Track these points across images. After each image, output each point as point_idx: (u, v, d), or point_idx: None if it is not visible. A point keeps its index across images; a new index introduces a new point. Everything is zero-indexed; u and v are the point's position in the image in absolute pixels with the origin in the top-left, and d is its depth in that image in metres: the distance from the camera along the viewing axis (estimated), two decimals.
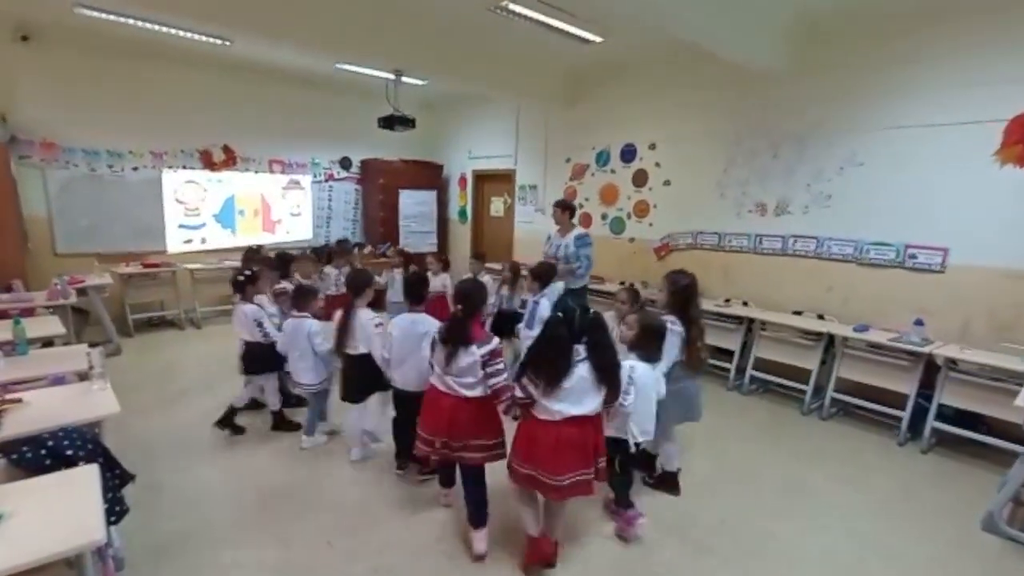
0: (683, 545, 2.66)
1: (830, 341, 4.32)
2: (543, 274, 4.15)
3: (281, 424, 3.78)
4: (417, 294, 3.01)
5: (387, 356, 2.94)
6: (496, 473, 2.57)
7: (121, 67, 6.05)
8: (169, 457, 3.34)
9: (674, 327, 2.86)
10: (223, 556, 2.49)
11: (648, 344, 2.64)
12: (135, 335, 5.92)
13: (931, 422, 3.74)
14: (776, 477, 3.36)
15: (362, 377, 3.22)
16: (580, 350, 2.20)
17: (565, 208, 4.87)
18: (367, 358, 3.13)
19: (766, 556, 2.60)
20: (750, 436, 3.95)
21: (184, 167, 6.72)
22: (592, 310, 2.30)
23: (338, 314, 3.22)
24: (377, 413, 3.40)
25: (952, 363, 3.67)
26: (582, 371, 2.19)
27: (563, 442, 2.21)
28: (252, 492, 3.02)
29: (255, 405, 3.88)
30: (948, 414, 3.73)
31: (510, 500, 2.54)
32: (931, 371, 3.82)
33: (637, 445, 2.60)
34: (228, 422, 3.65)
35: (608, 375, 2.25)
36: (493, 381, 2.42)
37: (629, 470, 2.79)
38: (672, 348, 2.83)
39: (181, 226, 6.78)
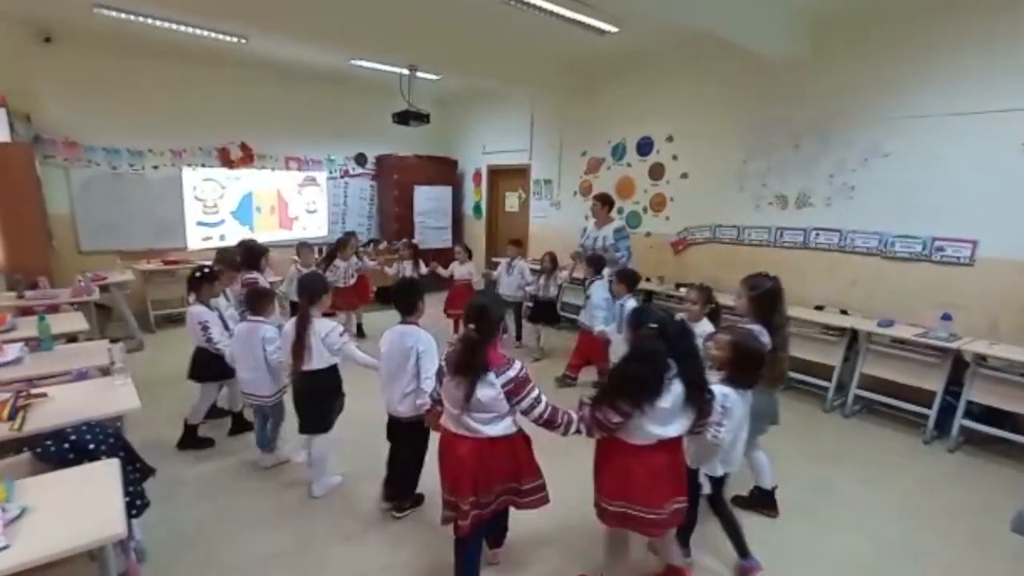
0: (697, 540, 2.60)
1: (853, 336, 4.22)
2: (597, 261, 4.53)
3: (240, 427, 3.59)
4: (406, 303, 2.57)
5: (373, 363, 2.68)
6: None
7: (140, 67, 6.14)
8: (188, 452, 3.38)
9: (761, 337, 2.51)
10: (241, 548, 2.51)
11: (743, 370, 2.21)
12: (156, 331, 6.02)
13: (959, 420, 3.63)
14: (797, 476, 3.28)
15: (320, 398, 2.83)
16: (671, 363, 1.93)
17: (605, 202, 5.05)
18: (325, 374, 2.79)
19: (784, 555, 2.55)
20: (770, 434, 3.86)
21: (203, 165, 6.80)
22: (678, 316, 2.11)
23: (288, 327, 2.84)
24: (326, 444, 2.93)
25: (981, 359, 3.56)
26: (676, 388, 1.92)
27: (659, 468, 1.96)
28: (270, 484, 3.04)
29: (219, 413, 3.65)
30: (976, 412, 3.62)
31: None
32: (959, 367, 3.71)
33: (717, 479, 2.31)
34: (189, 442, 3.38)
35: (697, 392, 1.96)
36: (536, 414, 1.98)
37: (726, 509, 2.43)
38: None
39: (200, 223, 6.87)
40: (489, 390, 1.93)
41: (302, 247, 5.21)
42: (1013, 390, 3.42)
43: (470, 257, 5.92)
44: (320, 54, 5.93)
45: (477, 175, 8.67)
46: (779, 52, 4.46)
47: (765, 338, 2.50)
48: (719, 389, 2.13)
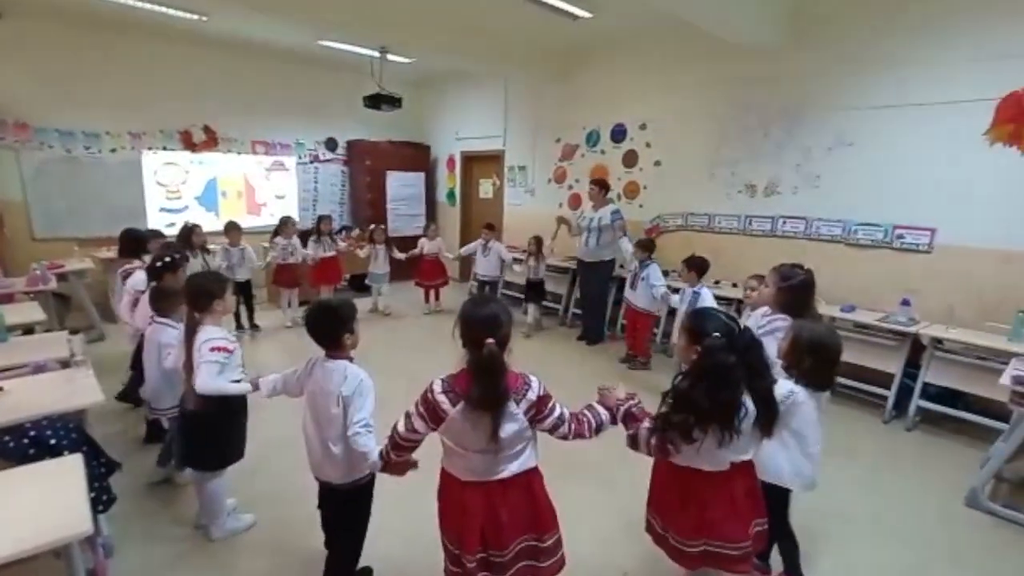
0: None
1: None
2: (648, 244, 4.94)
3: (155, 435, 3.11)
4: (327, 333, 1.93)
5: (273, 380, 2.10)
6: None
7: (95, 46, 5.85)
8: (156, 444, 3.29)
9: (783, 325, 2.29)
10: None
11: (814, 367, 1.93)
12: (118, 321, 5.81)
13: (916, 400, 3.80)
14: None
15: (205, 426, 2.25)
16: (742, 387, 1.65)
17: (602, 186, 5.41)
18: (211, 401, 2.17)
19: None
20: None
21: (164, 148, 6.56)
22: (744, 324, 1.80)
23: (180, 334, 2.38)
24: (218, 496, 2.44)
25: (938, 342, 3.72)
26: (749, 406, 1.64)
27: (738, 494, 1.73)
28: (241, 471, 2.99)
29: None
30: (932, 392, 3.80)
31: None
32: (917, 350, 3.87)
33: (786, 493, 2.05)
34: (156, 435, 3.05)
35: (768, 409, 1.69)
36: (562, 432, 1.65)
37: (788, 527, 2.15)
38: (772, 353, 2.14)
39: (163, 209, 6.64)
40: (511, 424, 1.56)
41: (285, 222, 5.82)
42: (967, 371, 3.59)
43: (438, 234, 6.59)
44: (286, 34, 5.75)
45: (451, 161, 8.58)
46: (750, 40, 4.52)
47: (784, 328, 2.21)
48: (786, 385, 1.88)
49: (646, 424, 1.72)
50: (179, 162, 6.69)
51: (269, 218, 7.48)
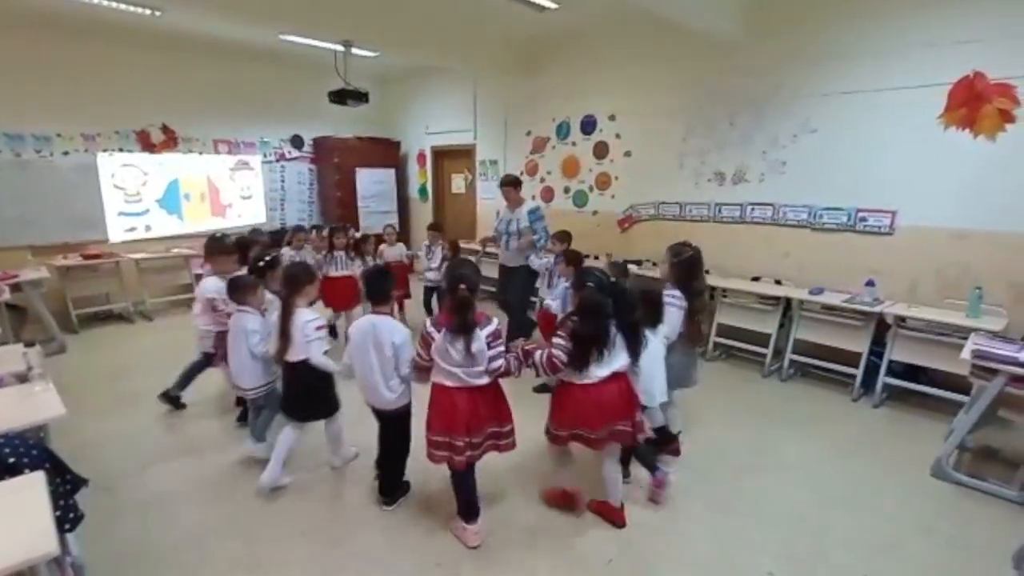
0: (654, 505, 2.74)
1: (787, 305, 4.46)
2: (565, 236, 4.40)
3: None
4: (379, 291, 2.56)
5: (347, 364, 2.61)
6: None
7: (42, 43, 5.58)
8: (125, 458, 3.18)
9: (676, 300, 2.85)
10: (189, 555, 2.40)
11: (645, 310, 2.61)
12: (80, 331, 5.59)
13: (883, 377, 3.93)
14: (741, 438, 3.48)
15: (302, 392, 2.80)
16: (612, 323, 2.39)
17: (513, 184, 4.78)
18: (308, 368, 2.73)
19: (735, 512, 2.70)
20: (714, 400, 4.07)
21: (120, 150, 6.30)
22: (613, 279, 2.52)
23: (273, 317, 2.82)
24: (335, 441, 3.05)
25: (901, 320, 3.85)
26: (618, 344, 2.39)
27: (605, 400, 2.37)
28: (215, 489, 2.92)
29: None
30: (897, 369, 3.93)
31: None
32: (882, 329, 4.00)
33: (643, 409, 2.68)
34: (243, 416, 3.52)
35: (634, 334, 2.44)
36: (495, 365, 2.33)
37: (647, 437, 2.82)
38: (674, 320, 2.84)
39: (122, 213, 6.39)
40: (476, 344, 2.26)
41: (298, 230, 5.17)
42: (929, 347, 3.72)
43: (398, 239, 5.83)
44: (246, 28, 5.56)
45: (421, 156, 8.48)
46: (712, 28, 4.57)
47: (679, 300, 2.84)
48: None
49: (538, 354, 2.39)
50: (138, 164, 6.44)
51: (236, 219, 7.30)
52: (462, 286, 2.25)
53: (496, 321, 2.35)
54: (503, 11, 4.87)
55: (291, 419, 2.87)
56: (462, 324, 2.24)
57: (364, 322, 2.53)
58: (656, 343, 2.68)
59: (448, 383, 2.34)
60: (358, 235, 5.63)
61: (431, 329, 2.32)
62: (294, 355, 2.72)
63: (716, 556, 2.41)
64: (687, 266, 2.92)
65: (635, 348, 2.44)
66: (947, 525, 2.64)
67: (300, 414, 2.87)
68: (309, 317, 2.74)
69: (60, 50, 5.70)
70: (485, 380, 2.34)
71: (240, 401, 3.57)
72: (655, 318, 2.70)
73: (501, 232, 4.82)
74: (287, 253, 5.02)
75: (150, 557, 2.39)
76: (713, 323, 4.84)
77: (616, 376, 2.39)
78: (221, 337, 3.25)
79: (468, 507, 2.47)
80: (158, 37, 5.95)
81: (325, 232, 5.23)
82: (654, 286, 2.85)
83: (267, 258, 3.38)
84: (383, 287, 2.57)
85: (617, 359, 2.39)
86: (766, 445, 3.39)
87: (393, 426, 2.66)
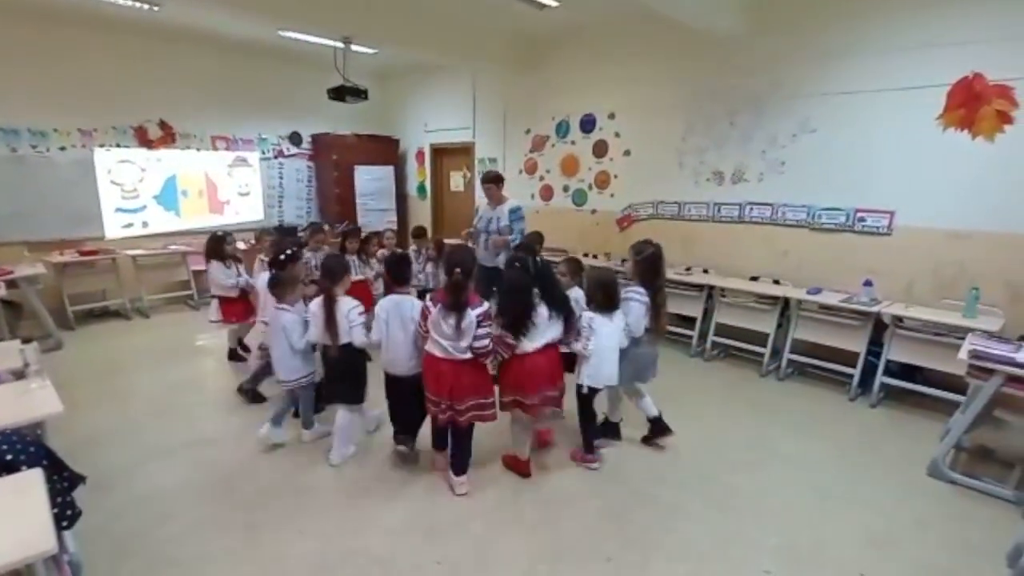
0: (655, 504, 2.75)
1: (785, 304, 4.47)
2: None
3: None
4: (401, 274, 2.97)
5: (377, 339, 2.91)
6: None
7: (39, 37, 5.54)
8: (122, 454, 3.17)
9: (639, 296, 3.00)
10: (187, 550, 2.40)
11: (598, 296, 2.90)
12: (77, 328, 5.57)
13: (880, 377, 3.94)
14: (738, 437, 3.48)
15: (345, 374, 3.04)
16: (536, 292, 2.71)
17: (495, 180, 4.67)
18: (350, 351, 2.99)
19: (733, 510, 2.71)
20: (713, 399, 4.08)
21: (118, 145, 6.27)
22: (539, 258, 2.83)
23: (315, 307, 3.01)
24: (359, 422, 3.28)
25: (898, 320, 3.86)
26: (542, 310, 2.71)
27: (537, 369, 2.73)
28: (213, 484, 2.91)
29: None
30: (893, 369, 3.94)
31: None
32: (879, 329, 4.01)
33: (592, 390, 2.94)
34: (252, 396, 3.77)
35: (561, 307, 2.79)
36: (479, 345, 2.62)
37: (587, 412, 3.05)
38: (637, 314, 2.98)
39: (119, 210, 6.36)
40: (466, 321, 2.58)
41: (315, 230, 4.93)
42: (926, 347, 3.73)
43: (397, 237, 5.67)
44: (244, 24, 5.54)
45: (420, 154, 8.47)
46: (712, 26, 4.57)
47: (642, 297, 2.98)
48: (587, 314, 2.88)
49: (486, 340, 2.65)
50: (135, 160, 6.41)
51: (234, 216, 7.28)
52: (457, 270, 2.59)
53: (487, 304, 2.65)
54: (504, 8, 4.86)
55: (339, 403, 3.11)
56: (455, 302, 2.58)
57: (388, 301, 2.89)
58: (611, 329, 2.87)
59: (436, 353, 2.66)
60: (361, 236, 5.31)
61: (429, 303, 2.70)
62: (341, 340, 2.97)
63: (714, 553, 2.41)
64: (650, 263, 3.05)
65: (568, 320, 2.81)
66: (943, 524, 2.65)
67: (346, 397, 3.09)
68: (352, 304, 3.00)
69: (57, 44, 5.66)
70: (468, 356, 2.63)
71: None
72: (609, 304, 2.90)
73: (480, 230, 4.70)
74: (307, 255, 4.81)
75: (148, 552, 2.38)
76: (711, 322, 4.85)
77: (547, 347, 2.75)
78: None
79: (458, 462, 2.84)
80: (156, 32, 5.93)
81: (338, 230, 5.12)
82: (606, 274, 3.06)
83: (288, 252, 3.56)
84: (404, 270, 3.00)
85: (548, 332, 2.74)
86: (763, 444, 3.40)
87: (410, 388, 2.90)
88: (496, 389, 2.84)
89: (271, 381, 3.55)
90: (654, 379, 3.23)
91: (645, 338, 3.05)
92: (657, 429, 3.25)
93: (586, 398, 3.00)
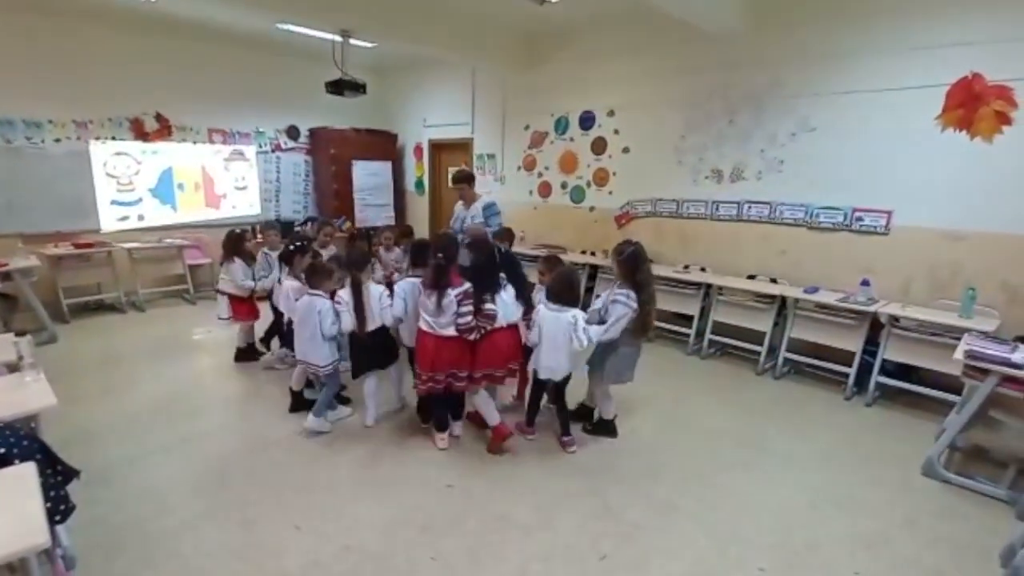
0: (648, 502, 2.75)
1: (782, 303, 4.47)
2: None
3: (299, 405, 3.61)
4: (422, 258, 3.20)
5: (399, 315, 3.24)
6: None
7: (35, 27, 5.48)
8: (117, 448, 3.16)
9: (626, 300, 3.01)
10: (182, 544, 2.39)
11: (559, 291, 3.04)
12: (71, 321, 5.55)
13: (876, 377, 3.95)
14: (734, 435, 3.49)
15: (380, 347, 3.38)
16: (504, 277, 3.07)
17: (467, 179, 4.78)
18: (381, 330, 3.33)
19: (727, 509, 2.72)
20: (709, 398, 4.09)
21: (113, 138, 6.22)
22: (506, 248, 3.27)
23: (344, 295, 3.26)
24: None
25: (895, 320, 3.87)
26: (508, 293, 3.06)
27: (501, 346, 3.07)
28: (208, 478, 2.90)
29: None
30: (889, 369, 3.95)
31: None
32: (875, 329, 4.01)
33: (546, 381, 3.14)
34: (298, 406, 3.62)
35: (523, 291, 3.18)
36: (462, 321, 2.92)
37: (536, 398, 3.28)
38: (618, 314, 3.02)
39: (114, 202, 6.32)
40: (447, 299, 2.90)
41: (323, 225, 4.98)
42: (922, 347, 3.74)
43: (396, 244, 5.30)
44: (242, 16, 5.49)
45: (418, 149, 8.44)
46: (713, 24, 4.56)
47: (630, 301, 3.01)
48: (540, 306, 3.08)
49: (469, 318, 2.95)
50: (131, 152, 6.37)
51: (231, 210, 7.24)
52: (439, 255, 2.94)
53: (468, 285, 2.94)
54: (503, 4, 4.84)
55: (371, 370, 3.41)
56: (435, 283, 2.92)
57: (407, 284, 3.22)
58: (558, 326, 2.98)
59: (423, 327, 3.02)
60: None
61: (419, 284, 3.07)
62: (372, 324, 3.25)
63: (709, 551, 2.42)
64: (631, 261, 3.06)
65: (525, 297, 3.16)
66: (937, 523, 2.66)
67: (380, 363, 3.42)
68: (380, 289, 3.31)
69: (52, 35, 5.61)
70: (451, 332, 2.95)
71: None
72: (560, 299, 3.02)
73: (456, 231, 4.65)
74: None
75: (143, 546, 2.37)
76: (708, 320, 4.86)
77: (510, 327, 3.10)
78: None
79: (439, 421, 3.25)
80: (153, 24, 5.88)
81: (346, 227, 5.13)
82: (567, 270, 3.26)
83: (297, 243, 3.78)
84: (424, 255, 3.18)
85: (511, 313, 3.07)
86: (759, 442, 3.41)
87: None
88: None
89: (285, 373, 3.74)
90: (630, 383, 3.27)
91: (627, 338, 3.07)
92: (604, 428, 3.36)
93: (540, 384, 3.19)
